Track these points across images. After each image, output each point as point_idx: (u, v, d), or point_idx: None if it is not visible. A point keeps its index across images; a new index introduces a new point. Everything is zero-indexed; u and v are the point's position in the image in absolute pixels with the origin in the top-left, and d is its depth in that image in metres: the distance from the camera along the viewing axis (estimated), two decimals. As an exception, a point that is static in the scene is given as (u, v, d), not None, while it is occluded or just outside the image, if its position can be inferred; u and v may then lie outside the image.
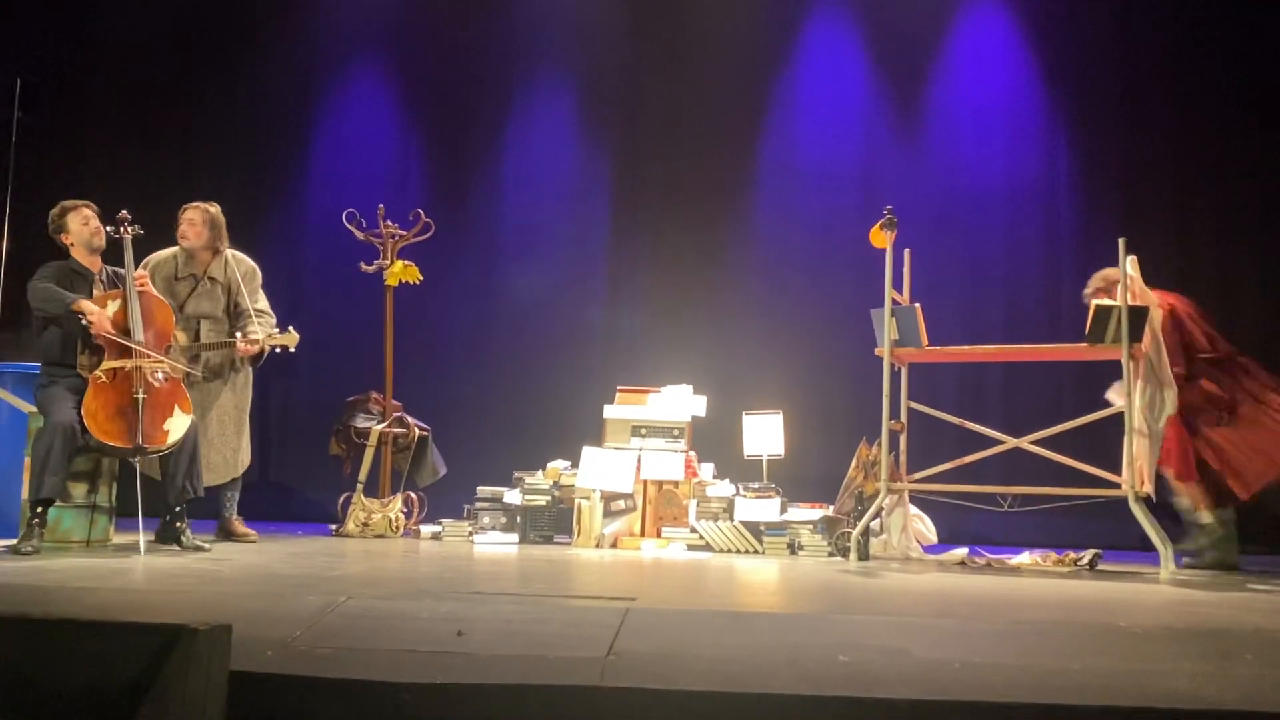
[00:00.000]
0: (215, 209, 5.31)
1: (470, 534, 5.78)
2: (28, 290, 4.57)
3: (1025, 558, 5.16)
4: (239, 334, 5.20)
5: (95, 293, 4.61)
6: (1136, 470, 4.71)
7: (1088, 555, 5.05)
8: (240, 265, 5.33)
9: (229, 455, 5.24)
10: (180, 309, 5.17)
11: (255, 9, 7.98)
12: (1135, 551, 5.52)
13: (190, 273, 5.26)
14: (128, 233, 4.72)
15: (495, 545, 5.53)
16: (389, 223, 6.26)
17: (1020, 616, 3.13)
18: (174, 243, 5.32)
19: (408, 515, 6.00)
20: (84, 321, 4.42)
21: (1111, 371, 5.01)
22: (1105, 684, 2.24)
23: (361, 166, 7.80)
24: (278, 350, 5.30)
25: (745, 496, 5.61)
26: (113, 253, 4.75)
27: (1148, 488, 4.74)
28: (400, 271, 6.22)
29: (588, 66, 7.86)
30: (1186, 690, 2.20)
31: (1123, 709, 2.10)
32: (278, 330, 5.29)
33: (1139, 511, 4.63)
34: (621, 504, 5.66)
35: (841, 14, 7.71)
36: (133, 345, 4.47)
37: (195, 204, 5.31)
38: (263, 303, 5.40)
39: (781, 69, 7.73)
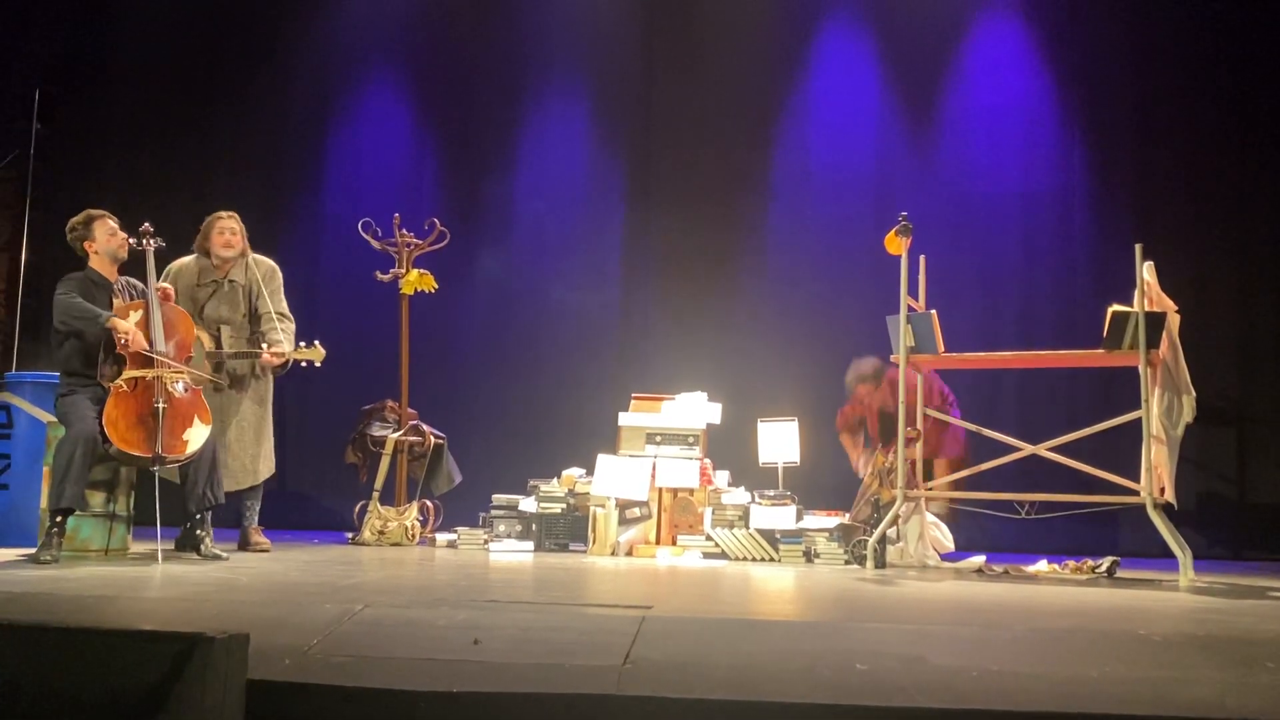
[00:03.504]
0: (238, 216, 5.39)
1: (485, 542, 5.79)
2: (54, 305, 4.54)
3: (1043, 565, 5.14)
4: (264, 344, 5.25)
5: (115, 303, 4.63)
6: (1155, 477, 4.68)
7: (1106, 562, 5.02)
8: (260, 266, 5.38)
9: (248, 463, 5.27)
10: (200, 313, 5.23)
11: (271, 20, 8.04)
12: (1154, 559, 5.49)
13: (211, 279, 5.31)
14: (150, 245, 4.75)
15: (510, 553, 5.53)
16: (404, 231, 6.29)
17: (1038, 624, 3.11)
18: (192, 250, 5.38)
19: (423, 523, 6.01)
20: (120, 339, 4.44)
21: (1129, 377, 4.97)
22: (1124, 692, 2.22)
23: (377, 175, 7.85)
24: (303, 364, 5.35)
25: (761, 504, 5.59)
26: (134, 264, 4.78)
27: (1168, 495, 4.71)
28: (416, 280, 6.24)
29: (601, 74, 7.88)
30: (1207, 699, 2.18)
31: (1142, 718, 2.08)
32: (304, 344, 5.33)
33: (1157, 519, 4.59)
34: (637, 511, 5.65)
35: (856, 21, 7.71)
36: (156, 356, 4.50)
37: (225, 214, 5.36)
38: (283, 304, 5.41)
39: (796, 75, 7.73)
